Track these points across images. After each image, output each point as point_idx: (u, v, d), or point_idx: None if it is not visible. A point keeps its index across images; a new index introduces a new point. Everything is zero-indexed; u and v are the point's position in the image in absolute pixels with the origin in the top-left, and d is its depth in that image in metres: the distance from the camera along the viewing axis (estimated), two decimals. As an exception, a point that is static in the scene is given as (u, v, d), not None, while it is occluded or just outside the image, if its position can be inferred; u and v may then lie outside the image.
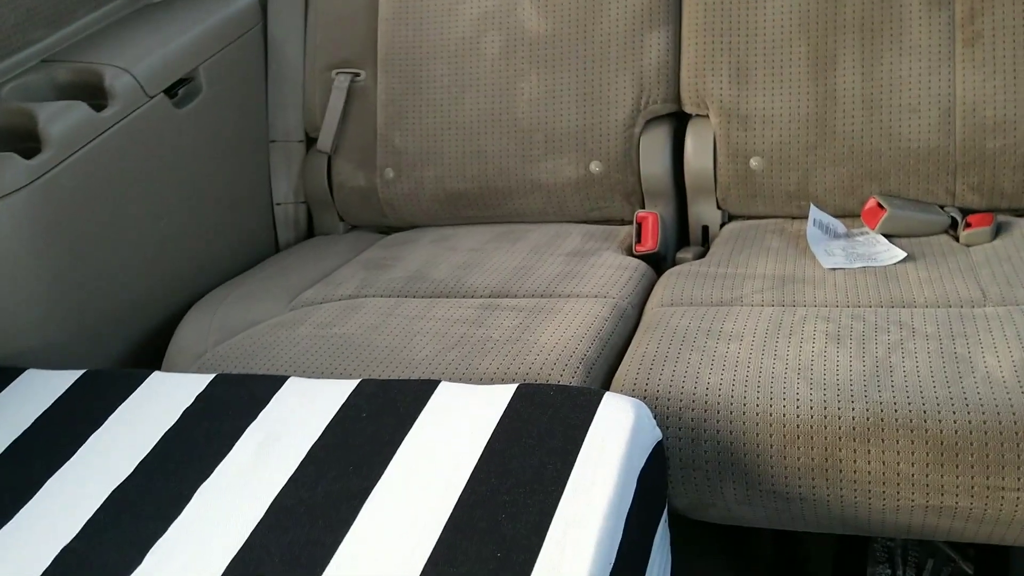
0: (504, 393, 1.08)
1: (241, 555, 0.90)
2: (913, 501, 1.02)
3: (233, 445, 1.06)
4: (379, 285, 1.55)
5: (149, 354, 1.52)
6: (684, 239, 1.78)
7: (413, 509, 0.93)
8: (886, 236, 1.53)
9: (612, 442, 0.98)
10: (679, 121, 1.73)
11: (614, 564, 0.88)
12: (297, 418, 1.09)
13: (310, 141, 1.90)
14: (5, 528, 0.98)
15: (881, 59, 1.56)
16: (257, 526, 0.94)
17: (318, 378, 1.18)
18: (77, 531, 0.96)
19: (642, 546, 0.99)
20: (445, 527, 0.90)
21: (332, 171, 1.87)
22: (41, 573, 0.91)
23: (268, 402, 1.12)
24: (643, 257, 1.63)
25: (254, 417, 1.10)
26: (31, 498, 1.02)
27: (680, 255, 1.67)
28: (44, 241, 1.37)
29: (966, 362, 1.08)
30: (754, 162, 1.63)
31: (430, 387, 1.11)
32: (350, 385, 1.14)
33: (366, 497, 0.95)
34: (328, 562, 0.88)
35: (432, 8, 1.79)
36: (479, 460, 0.98)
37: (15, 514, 1.00)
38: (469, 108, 1.76)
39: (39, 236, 1.36)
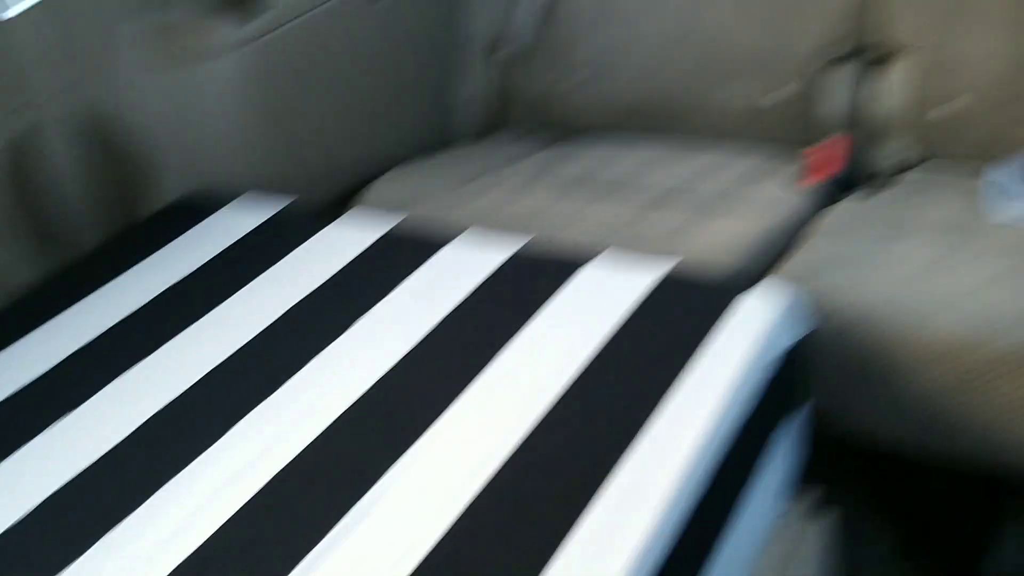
0: (655, 273, 1.13)
1: (387, 378, 1.00)
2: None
3: (397, 285, 1.16)
4: (550, 180, 1.62)
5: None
6: (863, 177, 1.76)
7: (550, 359, 1.00)
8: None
9: (754, 324, 1.02)
10: (869, 55, 1.70)
11: (733, 439, 0.92)
12: (457, 270, 1.18)
13: (495, 44, 1.98)
14: (205, 320, 1.13)
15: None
16: (408, 354, 1.04)
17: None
18: (259, 332, 1.10)
19: (770, 431, 1.03)
20: (576, 378, 0.97)
21: (515, 74, 1.94)
22: (225, 360, 1.05)
23: (434, 254, 1.22)
24: (821, 187, 1.63)
25: (419, 265, 1.20)
26: (220, 304, 1.16)
27: (858, 191, 1.66)
28: (254, 96, 1.51)
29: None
30: (947, 104, 1.59)
31: (583, 261, 1.18)
32: (510, 251, 1.22)
33: (506, 343, 1.03)
34: (464, 392, 0.97)
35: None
36: (617, 328, 1.04)
37: (207, 314, 1.14)
38: (660, 22, 1.79)
39: (250, 91, 1.51)
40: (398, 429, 0.92)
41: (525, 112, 1.97)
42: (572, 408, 0.93)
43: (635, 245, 1.32)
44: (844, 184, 1.72)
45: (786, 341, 1.03)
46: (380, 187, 1.63)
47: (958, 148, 1.59)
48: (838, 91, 1.69)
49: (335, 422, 0.94)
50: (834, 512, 1.11)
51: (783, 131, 1.74)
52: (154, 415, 0.98)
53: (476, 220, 1.44)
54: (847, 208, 1.49)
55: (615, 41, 1.83)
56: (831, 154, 1.67)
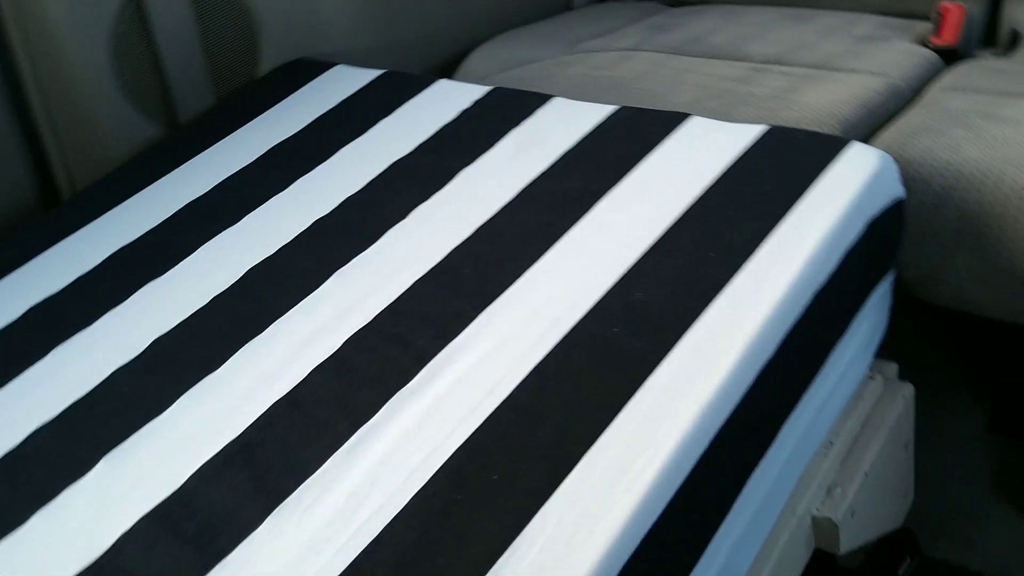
0: (753, 131, 1.11)
1: (485, 227, 1.02)
2: None
3: (497, 141, 1.17)
4: (657, 42, 1.59)
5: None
6: (991, 42, 1.66)
7: (644, 210, 1.01)
8: None
9: (848, 183, 1.00)
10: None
11: (818, 294, 0.91)
12: (556, 128, 1.18)
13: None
14: (311, 175, 1.17)
15: None
16: (505, 206, 1.05)
17: (583, 105, 1.26)
18: (362, 186, 1.13)
19: (856, 293, 1.01)
20: (669, 227, 0.97)
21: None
22: (329, 212, 1.09)
23: (534, 112, 1.22)
24: (939, 52, 1.55)
25: (519, 123, 1.20)
26: (325, 161, 1.19)
27: (980, 54, 1.57)
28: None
29: None
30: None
31: (682, 118, 1.16)
32: (610, 109, 1.21)
33: (601, 196, 1.04)
34: (557, 241, 0.98)
35: None
36: (712, 182, 1.03)
37: (312, 170, 1.18)
38: None
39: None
40: (488, 280, 0.94)
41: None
42: (661, 257, 0.93)
43: (740, 105, 1.30)
44: (974, 44, 1.63)
45: (879, 204, 1.01)
46: (483, 53, 1.63)
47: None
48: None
49: (428, 272, 0.97)
50: (913, 383, 1.09)
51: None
52: (256, 265, 1.02)
53: (578, 83, 1.43)
54: (971, 67, 1.41)
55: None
56: (951, 19, 1.58)
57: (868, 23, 1.64)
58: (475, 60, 1.61)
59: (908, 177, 1.11)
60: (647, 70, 1.45)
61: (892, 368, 1.12)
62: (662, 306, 0.87)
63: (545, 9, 1.87)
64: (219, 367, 0.89)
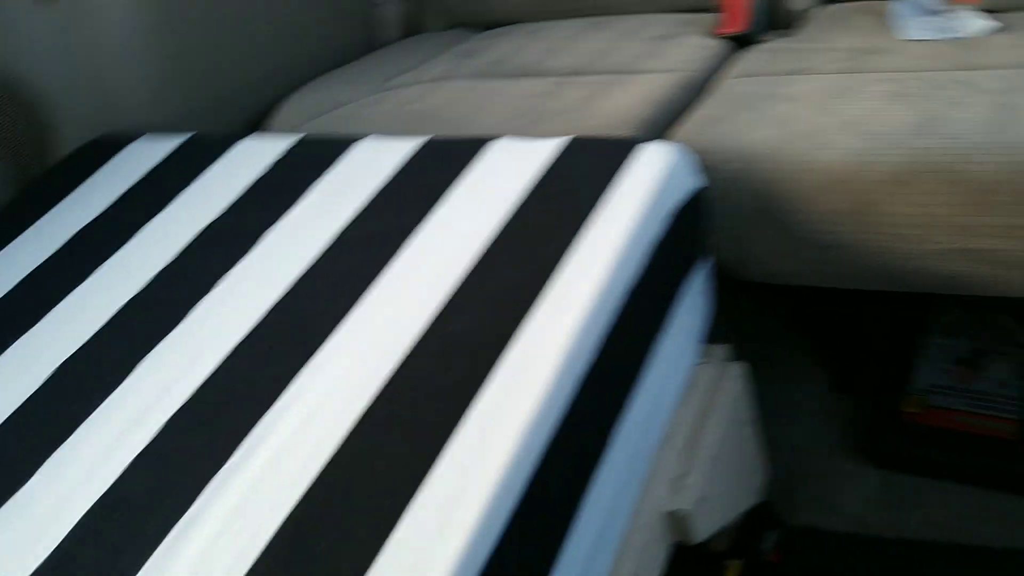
0: (555, 144, 1.13)
1: (298, 284, 1.01)
2: (948, 245, 1.03)
3: (305, 191, 1.16)
4: (465, 69, 1.61)
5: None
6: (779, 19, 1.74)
7: (454, 240, 1.01)
8: (989, 12, 1.46)
9: (645, 181, 1.02)
10: None
11: (630, 293, 0.93)
12: (365, 169, 1.18)
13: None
14: (118, 255, 1.13)
15: None
16: (318, 258, 1.04)
17: (393, 142, 1.26)
18: (172, 258, 1.10)
19: (670, 285, 1.04)
20: (480, 254, 0.97)
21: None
22: (138, 292, 1.06)
23: (342, 156, 1.22)
24: (734, 39, 1.62)
25: (327, 169, 1.20)
26: (132, 238, 1.16)
27: (768, 37, 1.65)
28: (154, 25, 1.48)
29: (1017, 110, 1.06)
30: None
31: (487, 142, 1.17)
32: (418, 142, 1.22)
33: (412, 232, 1.03)
34: (372, 286, 0.97)
35: None
36: (519, 201, 1.04)
37: (119, 249, 1.14)
38: None
39: (150, 20, 1.48)
40: (305, 339, 0.92)
41: (443, 11, 1.94)
42: (474, 285, 0.94)
43: (545, 120, 1.32)
44: (761, 28, 1.71)
45: (678, 195, 1.04)
46: (293, 102, 1.61)
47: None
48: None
49: (244, 340, 0.94)
50: (755, 358, 1.13)
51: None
52: (64, 361, 0.97)
53: (388, 120, 1.43)
54: (757, 51, 1.48)
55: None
56: (739, 6, 1.66)
57: (663, 23, 1.70)
58: (285, 110, 1.59)
59: (707, 165, 1.15)
60: (456, 97, 1.47)
61: (724, 350, 1.16)
62: (477, 334, 0.87)
63: (353, 51, 1.87)
64: (29, 480, 0.84)
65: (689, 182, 1.08)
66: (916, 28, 1.44)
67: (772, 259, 1.15)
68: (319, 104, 1.58)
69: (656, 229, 1.00)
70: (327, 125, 1.46)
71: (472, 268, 0.96)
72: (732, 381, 1.12)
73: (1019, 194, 0.99)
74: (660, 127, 1.28)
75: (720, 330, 1.15)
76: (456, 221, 1.05)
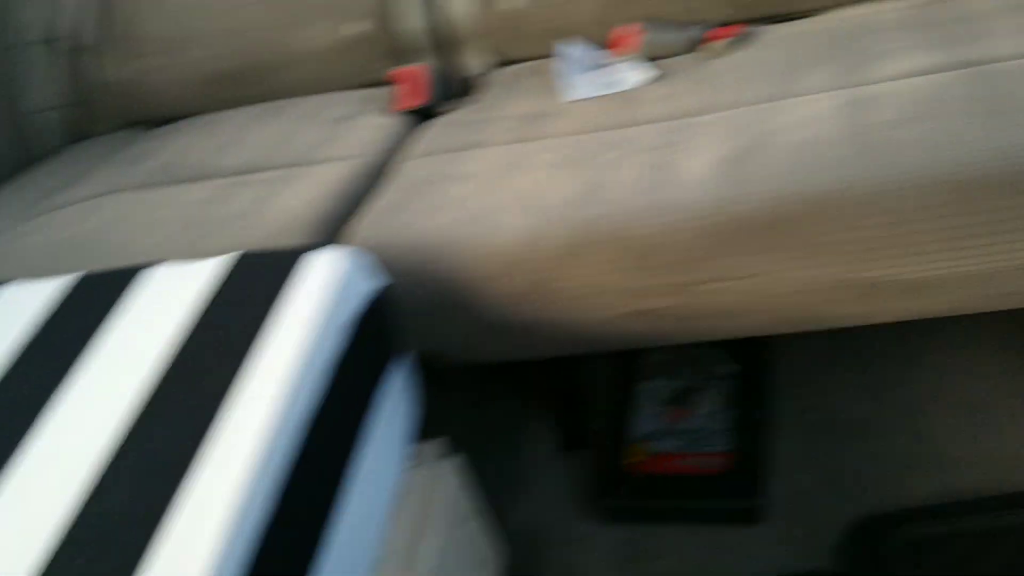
0: (219, 264, 1.05)
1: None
2: (624, 309, 1.05)
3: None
4: (132, 178, 1.49)
5: None
6: (454, 91, 1.75)
7: (106, 399, 0.90)
8: (650, 60, 1.52)
9: (315, 294, 0.97)
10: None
11: (313, 415, 0.87)
12: (4, 321, 1.05)
13: (61, 39, 1.79)
14: None
15: None
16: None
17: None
18: None
19: (361, 395, 0.99)
20: (137, 410, 0.88)
21: (90, 68, 1.77)
22: None
23: (-21, 310, 1.07)
24: (413, 113, 1.60)
25: (-37, 328, 1.05)
26: None
27: (448, 107, 1.65)
28: None
29: (670, 169, 1.09)
30: (510, 3, 1.59)
31: (145, 270, 1.08)
32: (68, 282, 1.10)
33: (56, 397, 0.92)
34: (8, 473, 0.85)
35: None
36: (181, 338, 0.95)
37: None
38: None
39: None
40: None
41: (113, 106, 1.80)
42: (128, 450, 0.84)
43: (212, 233, 1.24)
44: (440, 98, 1.70)
45: (355, 303, 0.99)
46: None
47: (524, 48, 1.61)
48: (409, 9, 1.66)
49: None
50: (485, 436, 1.10)
51: (367, 65, 1.69)
52: None
53: (38, 257, 1.29)
54: (435, 127, 1.47)
55: (180, 11, 1.70)
56: (417, 80, 1.64)
57: (340, 102, 1.66)
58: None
59: (389, 259, 1.11)
60: (118, 216, 1.35)
61: (438, 446, 1.12)
62: (131, 509, 0.78)
63: (2, 168, 1.70)
64: None
65: (365, 286, 1.03)
66: (581, 86, 1.48)
67: (467, 344, 1.13)
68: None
69: (332, 343, 0.94)
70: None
71: (127, 430, 0.86)
72: (447, 479, 1.08)
73: (680, 252, 1.02)
74: (338, 224, 1.23)
75: (434, 423, 1.11)
76: (110, 375, 0.94)
